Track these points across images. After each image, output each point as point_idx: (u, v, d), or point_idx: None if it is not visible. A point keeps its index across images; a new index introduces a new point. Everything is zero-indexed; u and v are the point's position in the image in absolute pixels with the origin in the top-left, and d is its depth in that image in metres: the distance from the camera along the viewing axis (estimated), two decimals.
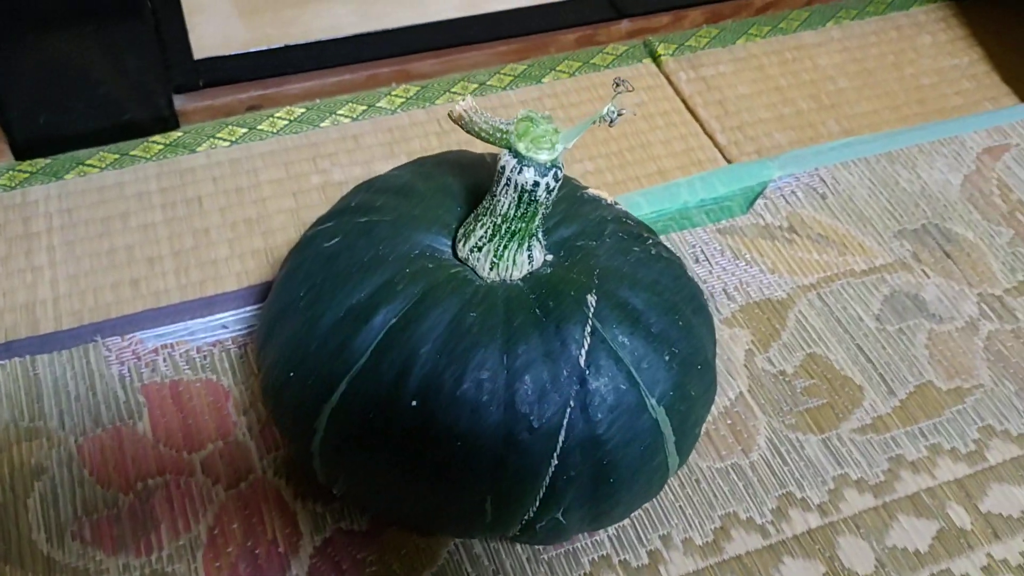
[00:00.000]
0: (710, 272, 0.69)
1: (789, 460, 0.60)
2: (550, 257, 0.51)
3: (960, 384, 0.65)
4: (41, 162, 0.72)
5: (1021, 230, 0.74)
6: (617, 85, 0.48)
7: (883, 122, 0.81)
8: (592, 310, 0.47)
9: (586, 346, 0.46)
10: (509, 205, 0.47)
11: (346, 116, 0.77)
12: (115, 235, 0.68)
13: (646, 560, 0.55)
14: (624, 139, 0.77)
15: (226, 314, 0.63)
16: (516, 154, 0.46)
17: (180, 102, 0.74)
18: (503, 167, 0.47)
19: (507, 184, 0.47)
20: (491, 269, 0.49)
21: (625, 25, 0.84)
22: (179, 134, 0.74)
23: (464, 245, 0.50)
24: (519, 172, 0.46)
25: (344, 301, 0.47)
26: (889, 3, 0.92)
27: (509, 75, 0.81)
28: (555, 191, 0.47)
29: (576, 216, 0.52)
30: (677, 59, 0.84)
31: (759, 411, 0.62)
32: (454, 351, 0.45)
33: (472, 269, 0.50)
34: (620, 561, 0.55)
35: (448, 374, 0.45)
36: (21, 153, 0.71)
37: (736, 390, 0.63)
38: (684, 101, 0.81)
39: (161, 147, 0.74)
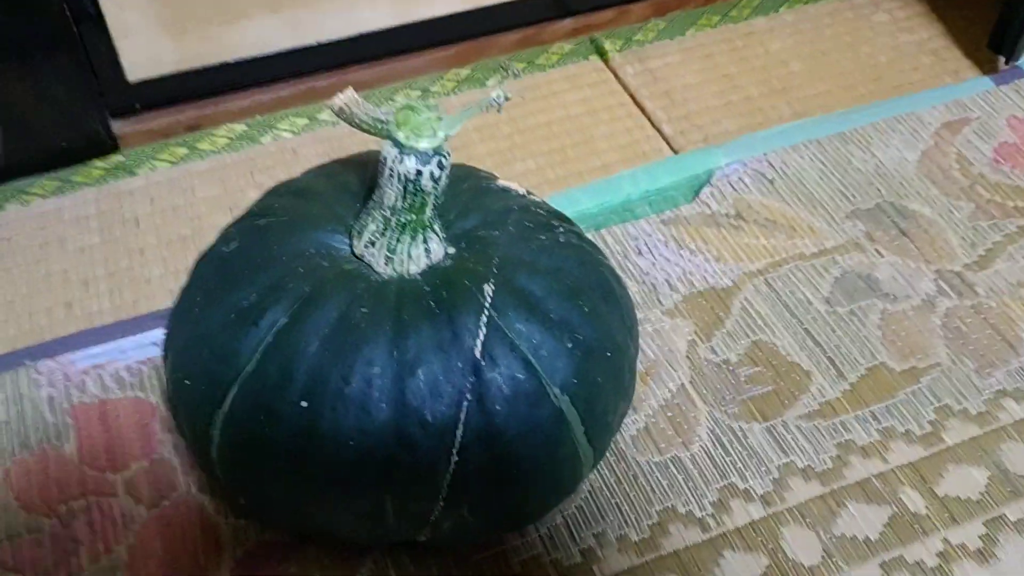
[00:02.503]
0: (653, 264, 0.67)
1: (732, 450, 0.58)
2: (452, 250, 0.50)
3: (915, 364, 0.62)
4: None
5: (982, 203, 0.71)
6: (504, 70, 0.47)
7: (837, 103, 0.79)
8: (489, 300, 0.46)
9: (481, 336, 0.45)
10: (395, 197, 0.46)
11: (287, 130, 0.77)
12: (52, 260, 0.68)
13: (579, 559, 0.53)
14: (567, 136, 0.76)
15: (157, 331, 0.63)
16: (396, 143, 0.45)
17: (119, 126, 0.74)
18: (384, 157, 0.46)
19: (391, 175, 0.46)
20: (386, 264, 0.48)
21: (568, 23, 0.83)
22: (120, 158, 0.74)
23: (359, 241, 0.48)
24: (400, 162, 0.45)
25: (234, 303, 0.46)
26: None
27: (452, 80, 0.80)
28: (442, 179, 0.46)
29: (479, 207, 0.51)
30: (624, 54, 0.82)
31: (700, 402, 0.60)
32: (341, 348, 0.44)
33: (368, 265, 0.48)
34: (551, 560, 0.53)
35: (335, 372, 0.44)
36: None
37: (677, 382, 0.61)
38: (631, 95, 0.80)
39: (102, 172, 0.74)
